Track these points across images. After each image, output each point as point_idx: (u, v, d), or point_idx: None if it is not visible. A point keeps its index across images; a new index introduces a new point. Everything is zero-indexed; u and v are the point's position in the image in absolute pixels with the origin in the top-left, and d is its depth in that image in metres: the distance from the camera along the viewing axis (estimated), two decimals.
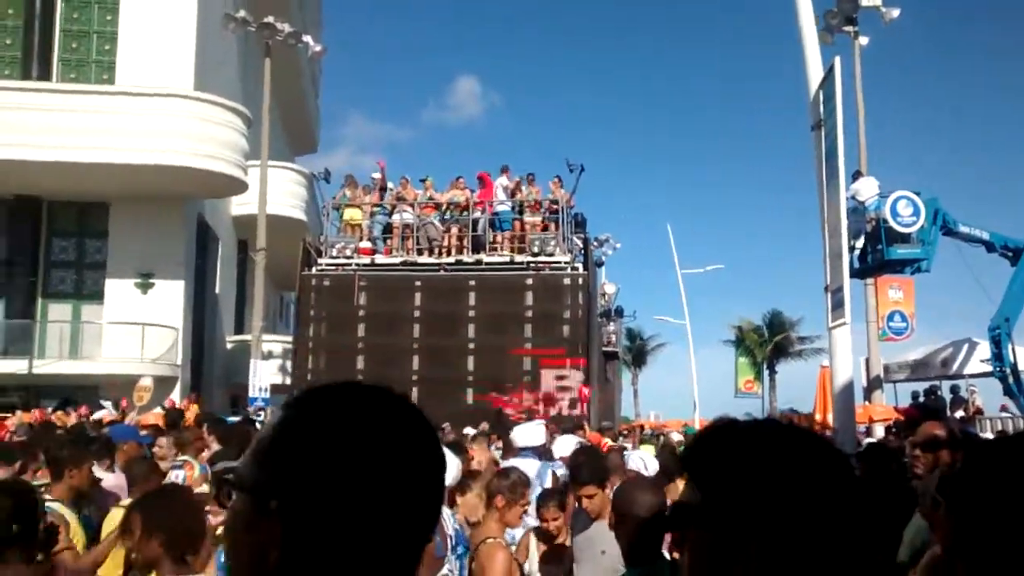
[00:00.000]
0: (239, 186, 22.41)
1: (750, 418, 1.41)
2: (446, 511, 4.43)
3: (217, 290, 26.36)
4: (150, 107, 20.69)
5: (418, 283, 20.51)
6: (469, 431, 13.24)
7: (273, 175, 23.20)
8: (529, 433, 8.54)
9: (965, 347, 21.55)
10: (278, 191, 24.45)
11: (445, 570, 4.56)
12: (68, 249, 23.36)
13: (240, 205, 25.89)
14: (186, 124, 20.71)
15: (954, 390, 20.42)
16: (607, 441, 10.82)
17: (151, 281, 22.48)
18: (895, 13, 21.15)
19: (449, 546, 4.29)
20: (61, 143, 19.73)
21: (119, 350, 21.25)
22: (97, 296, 22.74)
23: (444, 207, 21.46)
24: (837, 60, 8.58)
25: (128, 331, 21.46)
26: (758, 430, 1.26)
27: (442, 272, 20.68)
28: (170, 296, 22.49)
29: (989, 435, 11.70)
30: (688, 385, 41.17)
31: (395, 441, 1.04)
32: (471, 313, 20.41)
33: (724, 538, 1.15)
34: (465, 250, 21.02)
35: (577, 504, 4.92)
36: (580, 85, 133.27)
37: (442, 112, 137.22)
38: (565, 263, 20.58)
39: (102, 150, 19.92)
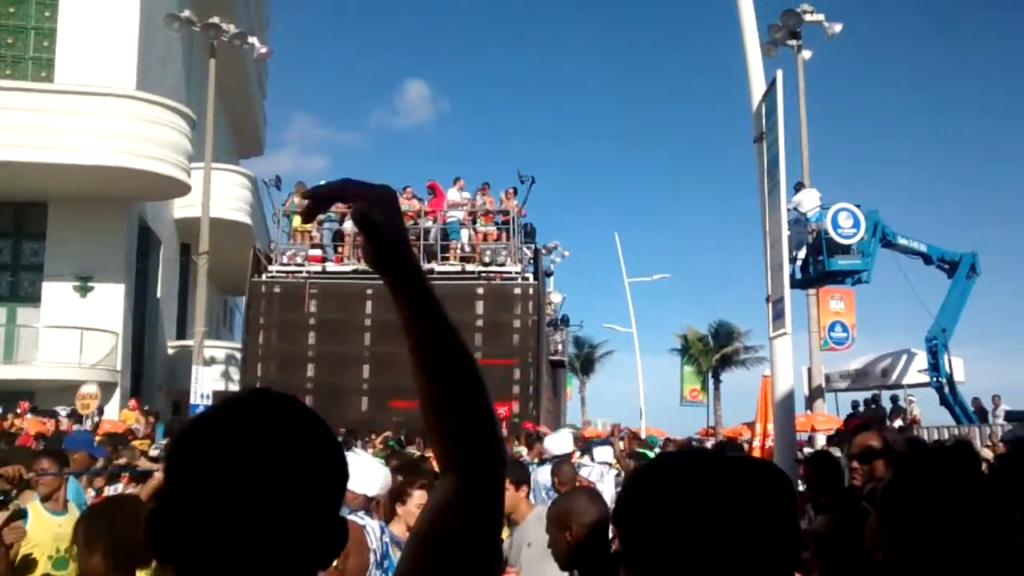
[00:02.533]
0: (182, 188, 22.02)
1: (679, 456, 1.42)
2: (373, 523, 4.41)
3: (159, 294, 25.86)
4: (90, 106, 20.23)
5: (369, 291, 20.48)
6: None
7: (217, 177, 22.88)
8: (561, 441, 9.26)
9: (904, 357, 22.01)
10: (222, 194, 24.11)
11: None
12: (4, 250, 22.76)
13: (183, 208, 25.46)
14: (128, 124, 20.29)
15: (894, 399, 20.84)
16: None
17: (90, 284, 21.97)
18: (837, 28, 21.60)
19: (373, 561, 4.25)
20: None
21: (56, 355, 20.71)
22: (34, 299, 22.17)
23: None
24: (780, 73, 8.68)
25: (66, 335, 20.93)
26: (676, 479, 1.26)
27: None
28: (110, 300, 21.99)
29: None
30: (635, 393, 41.44)
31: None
32: None
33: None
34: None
35: None
36: (529, 92, 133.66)
37: (390, 116, 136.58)
38: (516, 273, 20.74)
39: (40, 149, 19.43)
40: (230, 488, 1.00)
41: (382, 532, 4.58)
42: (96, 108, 20.22)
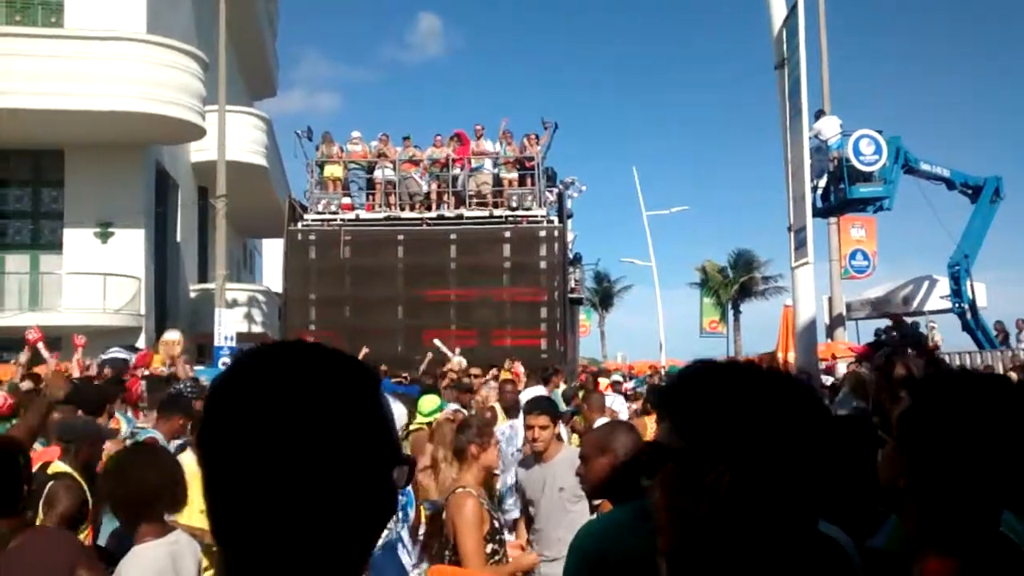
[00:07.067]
0: (197, 131, 21.94)
1: (722, 359, 1.42)
2: None
3: (178, 238, 25.97)
4: (102, 51, 20.07)
5: (400, 237, 21.16)
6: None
7: (231, 120, 22.76)
8: None
9: (925, 284, 21.88)
10: (237, 136, 24.00)
11: None
12: (24, 198, 22.83)
13: (199, 151, 25.40)
14: (140, 68, 20.14)
15: (915, 326, 20.74)
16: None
17: (110, 230, 22.07)
18: None
19: None
20: (10, 88, 19.05)
21: (80, 301, 20.90)
22: (55, 246, 22.30)
23: (427, 164, 21.83)
24: None
25: (89, 281, 21.11)
26: (731, 371, 1.27)
27: (424, 226, 21.22)
28: (130, 245, 22.11)
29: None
30: (654, 326, 41.58)
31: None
32: (452, 265, 21.12)
33: (696, 472, 1.17)
34: (446, 205, 21.62)
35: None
36: (542, 25, 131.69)
37: (402, 52, 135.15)
38: (541, 216, 21.31)
39: (53, 96, 19.31)
40: (269, 451, 0.94)
41: None
42: (107, 53, 20.05)
